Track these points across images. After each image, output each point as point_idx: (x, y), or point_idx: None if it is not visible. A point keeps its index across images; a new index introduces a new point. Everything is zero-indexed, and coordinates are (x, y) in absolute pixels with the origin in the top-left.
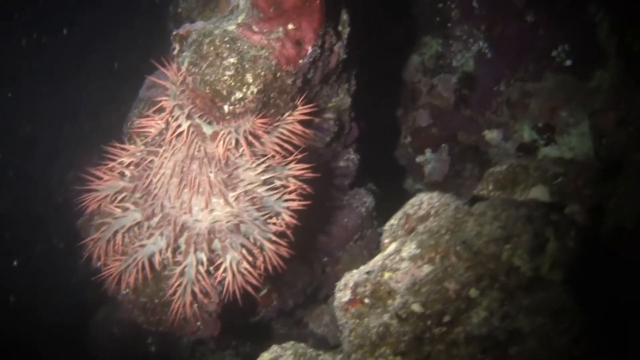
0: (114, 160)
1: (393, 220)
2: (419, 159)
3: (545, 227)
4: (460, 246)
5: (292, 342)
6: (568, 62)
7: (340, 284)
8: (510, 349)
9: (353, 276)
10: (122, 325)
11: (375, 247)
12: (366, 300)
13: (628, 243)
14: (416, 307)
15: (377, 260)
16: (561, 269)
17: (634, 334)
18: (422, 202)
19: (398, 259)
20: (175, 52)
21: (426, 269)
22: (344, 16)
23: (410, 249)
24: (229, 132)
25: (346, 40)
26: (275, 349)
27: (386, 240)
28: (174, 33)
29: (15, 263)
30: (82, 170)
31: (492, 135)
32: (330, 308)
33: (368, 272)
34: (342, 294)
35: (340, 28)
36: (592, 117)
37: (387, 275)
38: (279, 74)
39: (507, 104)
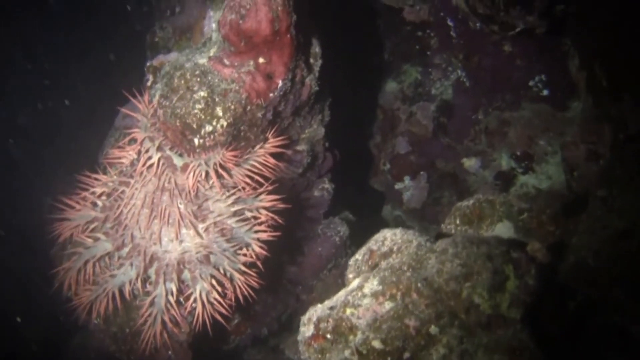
0: (87, 189)
1: (358, 256)
2: (397, 185)
3: (505, 264)
4: (421, 283)
5: None
6: (545, 92)
7: (304, 318)
8: None
9: (317, 311)
10: (98, 354)
11: None
12: (328, 336)
13: (588, 279)
14: (376, 344)
15: (340, 295)
16: (520, 306)
17: None
18: (386, 238)
19: (360, 295)
20: (149, 83)
21: (387, 305)
22: (316, 49)
23: (372, 285)
24: (199, 165)
25: (318, 73)
26: None
27: (350, 275)
28: (148, 64)
29: None
30: (59, 195)
31: (470, 163)
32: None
33: (331, 308)
34: (306, 329)
35: (312, 61)
36: (564, 150)
37: (349, 311)
38: (249, 108)
39: (485, 132)
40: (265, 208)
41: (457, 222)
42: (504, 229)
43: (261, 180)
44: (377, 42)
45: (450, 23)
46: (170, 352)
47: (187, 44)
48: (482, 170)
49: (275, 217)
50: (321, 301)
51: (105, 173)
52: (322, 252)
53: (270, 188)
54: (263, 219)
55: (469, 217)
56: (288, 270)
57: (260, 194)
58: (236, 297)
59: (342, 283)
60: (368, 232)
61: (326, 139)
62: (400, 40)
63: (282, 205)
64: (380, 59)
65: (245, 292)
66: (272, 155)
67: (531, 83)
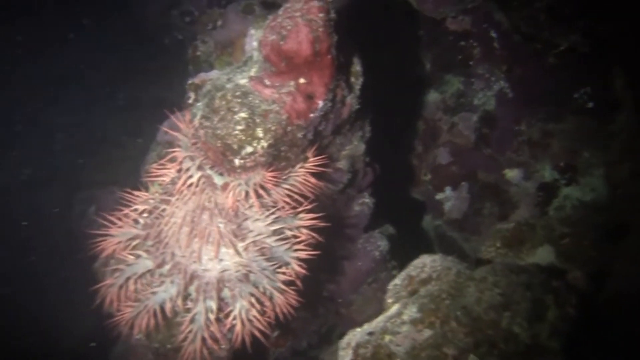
0: (129, 205)
1: (397, 281)
2: (438, 196)
3: (545, 294)
4: (460, 312)
5: None
6: (590, 105)
7: (343, 342)
8: None
9: (355, 335)
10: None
11: None
12: None
13: (629, 310)
14: None
15: (379, 321)
16: (560, 336)
17: None
18: (425, 264)
19: (399, 322)
20: (190, 100)
21: (426, 333)
22: (357, 67)
23: (411, 312)
24: (239, 185)
25: (359, 92)
26: None
27: (389, 300)
28: (189, 82)
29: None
30: (103, 205)
31: (512, 174)
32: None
33: (369, 333)
34: (345, 353)
35: (352, 79)
36: (607, 167)
37: (387, 338)
38: (289, 128)
39: (527, 144)
40: (304, 227)
41: (498, 244)
42: (544, 253)
43: (300, 199)
44: (419, 53)
45: (493, 34)
46: None
47: (228, 59)
48: (525, 182)
49: (315, 236)
50: (360, 314)
51: (147, 188)
52: (362, 266)
53: (309, 207)
54: (303, 237)
55: (510, 240)
56: (330, 284)
57: (300, 212)
58: (275, 315)
59: (381, 297)
60: (408, 244)
61: (366, 154)
62: (442, 50)
63: (322, 224)
64: (422, 69)
65: (285, 310)
66: (312, 174)
67: (576, 95)
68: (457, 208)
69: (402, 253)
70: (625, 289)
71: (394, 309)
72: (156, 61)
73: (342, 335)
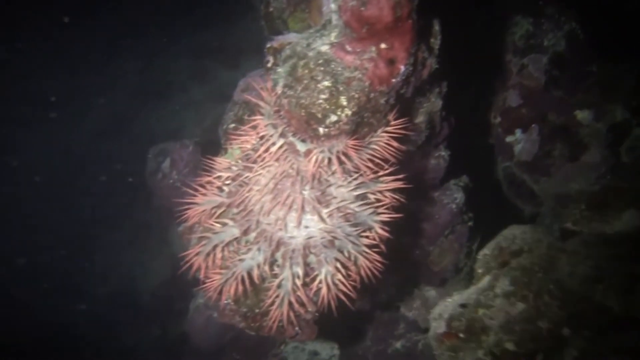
0: (212, 172)
1: (486, 251)
2: (508, 138)
3: (636, 266)
4: (554, 285)
5: None
6: None
7: (434, 312)
8: None
9: (447, 307)
10: (227, 328)
11: (465, 240)
12: (461, 335)
13: None
14: (510, 346)
15: (471, 293)
16: None
17: None
18: (515, 236)
19: (492, 295)
20: (269, 64)
21: (519, 306)
22: (436, 27)
23: (503, 285)
24: (322, 152)
25: (437, 52)
26: None
27: (479, 270)
28: (268, 46)
29: None
30: (177, 159)
31: (583, 115)
32: (421, 293)
33: (462, 306)
34: (437, 324)
35: (432, 40)
36: None
37: (481, 311)
38: (372, 95)
39: (599, 85)
40: (387, 190)
41: (583, 207)
42: (631, 217)
43: (382, 162)
44: None
45: None
46: (297, 328)
47: (302, 16)
48: (596, 123)
49: (398, 198)
50: (437, 265)
51: (226, 150)
52: (439, 220)
53: (391, 169)
54: (386, 201)
55: (595, 204)
56: (408, 239)
57: (382, 176)
58: (360, 277)
59: (457, 247)
60: (481, 187)
61: (443, 109)
62: None
63: (403, 185)
64: (491, 10)
65: (369, 273)
66: (394, 137)
67: None
68: (527, 150)
69: (477, 202)
70: None
71: (485, 280)
72: (216, 8)
73: (417, 284)
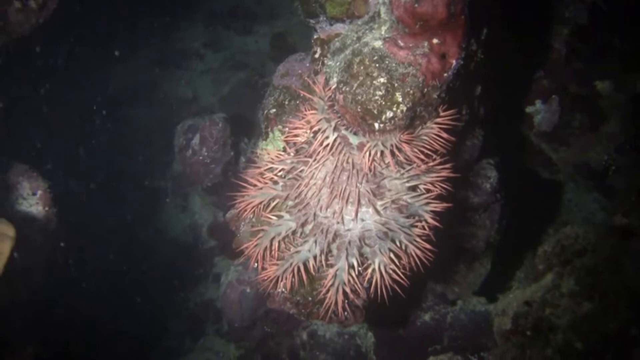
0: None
1: (547, 247)
2: (529, 109)
3: None
4: (620, 286)
5: (449, 355)
6: None
7: (498, 308)
8: None
9: (511, 303)
10: (254, 286)
11: (497, 218)
12: (528, 333)
13: None
14: (579, 345)
15: (536, 291)
16: None
17: None
18: (578, 235)
19: (558, 295)
20: (316, 55)
21: (586, 306)
22: (483, 19)
23: (569, 284)
24: (376, 145)
25: (483, 43)
26: None
27: (541, 267)
28: (315, 37)
29: None
30: (206, 135)
31: (603, 86)
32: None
33: (527, 304)
34: (502, 321)
35: (480, 32)
36: None
37: (548, 310)
38: (425, 90)
39: (619, 57)
40: (438, 180)
41: (633, 198)
42: None
43: (431, 153)
44: None
45: None
46: (346, 314)
47: (341, 0)
48: (616, 93)
49: (448, 187)
50: (469, 242)
51: (267, 135)
52: (475, 200)
53: (441, 160)
54: (435, 191)
55: None
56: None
57: (433, 166)
58: (411, 267)
59: (489, 224)
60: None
61: (483, 93)
62: None
63: (452, 175)
64: None
65: (419, 261)
66: (444, 129)
67: None
68: (548, 120)
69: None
70: None
71: (549, 278)
72: None
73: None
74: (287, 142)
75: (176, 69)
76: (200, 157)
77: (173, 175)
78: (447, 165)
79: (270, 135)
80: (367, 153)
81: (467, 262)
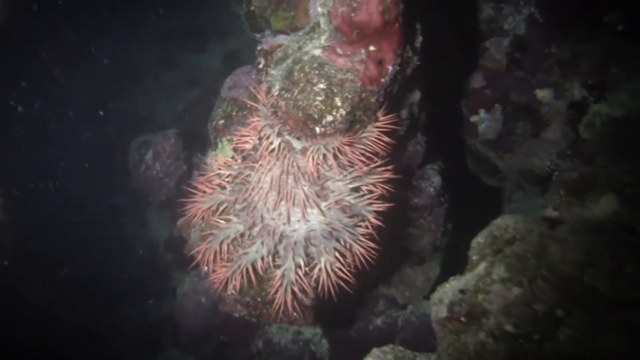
0: (212, 172)
1: (480, 239)
2: (473, 118)
3: (623, 251)
4: (546, 270)
5: (391, 346)
6: (620, 27)
7: (434, 298)
8: None
9: (447, 292)
10: (209, 295)
11: (442, 221)
12: (463, 319)
13: None
14: (509, 327)
15: (469, 279)
16: None
17: None
18: (508, 225)
19: (489, 281)
20: (260, 66)
21: (516, 291)
22: (417, 26)
23: (499, 271)
24: (318, 149)
25: (419, 49)
26: (376, 353)
27: (474, 257)
28: (259, 48)
29: None
30: (160, 150)
31: (543, 94)
32: (399, 272)
33: (462, 291)
34: (439, 309)
35: (415, 40)
36: (638, 99)
37: (480, 296)
38: (364, 95)
39: (558, 64)
40: (379, 181)
41: (562, 192)
42: (609, 201)
43: (372, 156)
44: None
45: None
46: (295, 314)
47: (285, 14)
48: (555, 101)
49: (389, 188)
50: (416, 245)
51: (216, 145)
52: (419, 203)
53: (382, 162)
54: (377, 192)
55: (574, 189)
56: (390, 226)
57: (374, 168)
58: (355, 265)
59: (435, 228)
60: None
61: (422, 99)
62: None
63: (393, 176)
64: None
65: (363, 260)
66: (383, 132)
67: (605, 19)
68: (492, 129)
69: (450, 183)
70: None
71: (481, 267)
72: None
73: (398, 260)
74: (235, 150)
75: (131, 88)
76: (154, 172)
77: (129, 192)
78: (389, 167)
79: (220, 145)
80: (311, 157)
81: (416, 266)
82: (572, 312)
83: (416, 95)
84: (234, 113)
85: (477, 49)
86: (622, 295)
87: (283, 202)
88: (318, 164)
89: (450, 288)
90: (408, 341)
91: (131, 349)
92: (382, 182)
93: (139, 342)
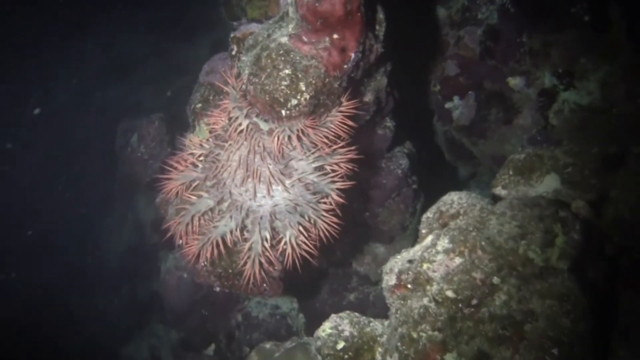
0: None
1: (429, 214)
2: (447, 105)
3: (554, 223)
4: (485, 242)
5: (347, 312)
6: (586, 18)
7: (386, 267)
8: (525, 326)
9: (397, 262)
10: (190, 271)
11: (410, 202)
12: (409, 286)
13: (625, 231)
14: (450, 293)
15: (417, 250)
16: (568, 258)
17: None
18: (453, 201)
19: (434, 252)
20: (233, 52)
21: (457, 260)
22: (380, 15)
23: (444, 243)
24: (283, 130)
25: (383, 37)
26: (334, 318)
27: (424, 231)
28: (232, 35)
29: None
30: (145, 134)
31: (515, 82)
32: (371, 250)
33: (410, 261)
34: (389, 278)
35: (377, 28)
36: (604, 88)
37: (425, 265)
38: (327, 80)
39: (529, 54)
40: (341, 162)
41: (510, 172)
42: (551, 181)
43: (336, 138)
44: None
45: None
46: (265, 285)
47: (259, 3)
48: (527, 89)
49: (351, 168)
50: (385, 224)
51: (194, 128)
52: (387, 184)
53: (344, 143)
54: (340, 171)
55: (521, 169)
56: (358, 205)
57: (336, 149)
58: (319, 238)
59: (404, 208)
60: (425, 157)
61: (388, 85)
62: None
63: (356, 157)
64: None
65: (327, 234)
66: (347, 116)
67: (573, 10)
68: (465, 115)
69: (419, 166)
70: (621, 214)
71: (429, 239)
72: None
73: (368, 241)
74: (211, 131)
75: (120, 77)
76: (139, 154)
77: (118, 177)
78: (352, 148)
79: (197, 127)
80: (276, 137)
81: (387, 245)
82: (506, 279)
83: (382, 82)
84: (210, 97)
85: (451, 37)
86: (551, 264)
87: (250, 179)
88: (283, 144)
89: (401, 259)
90: (379, 315)
91: (122, 328)
92: (345, 162)
93: (128, 321)
